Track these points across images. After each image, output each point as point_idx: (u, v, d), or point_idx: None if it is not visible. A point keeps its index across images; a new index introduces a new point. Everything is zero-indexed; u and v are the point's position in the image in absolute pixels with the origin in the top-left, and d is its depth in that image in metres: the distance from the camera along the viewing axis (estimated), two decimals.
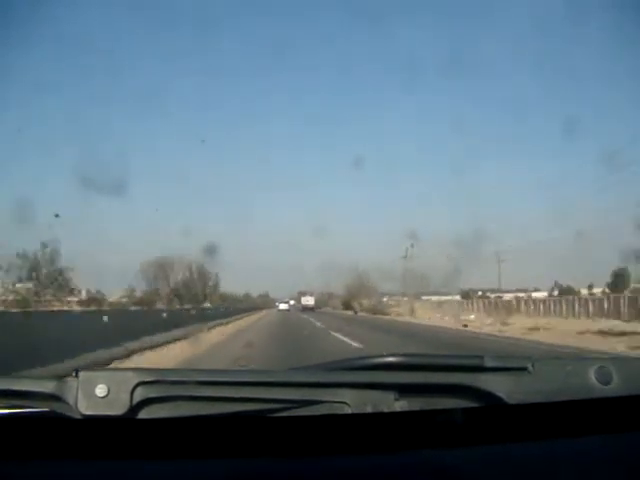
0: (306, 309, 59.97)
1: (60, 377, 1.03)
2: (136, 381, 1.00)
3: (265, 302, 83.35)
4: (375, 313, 49.94)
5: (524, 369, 1.15)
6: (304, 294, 76.05)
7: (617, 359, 1.31)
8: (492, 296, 61.14)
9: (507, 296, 56.65)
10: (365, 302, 61.99)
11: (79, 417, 0.98)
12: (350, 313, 56.03)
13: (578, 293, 52.24)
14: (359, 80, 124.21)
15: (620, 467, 1.07)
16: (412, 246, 61.71)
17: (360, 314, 51.39)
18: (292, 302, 73.69)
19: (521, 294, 57.96)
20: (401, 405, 1.06)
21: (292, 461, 1.02)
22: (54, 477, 0.98)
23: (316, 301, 76.38)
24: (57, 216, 26.89)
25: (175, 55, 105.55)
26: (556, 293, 57.77)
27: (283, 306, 62.75)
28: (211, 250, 40.88)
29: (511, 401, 1.09)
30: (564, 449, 1.08)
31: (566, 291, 57.87)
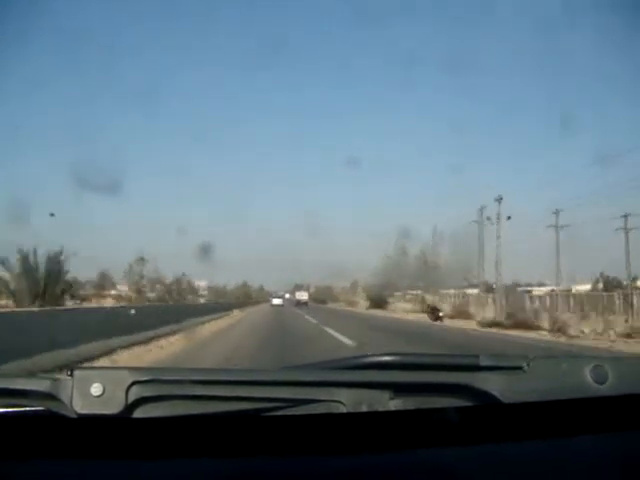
0: (299, 303, 59.45)
1: (55, 376, 1.03)
2: (131, 380, 1.00)
3: (246, 297, 69.48)
4: (524, 327, 21.11)
5: (519, 368, 1.15)
6: (300, 288, 76.89)
7: (613, 358, 1.31)
8: (519, 289, 44.82)
9: (537, 290, 45.31)
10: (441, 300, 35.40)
11: (74, 416, 0.97)
12: (395, 316, 33.16)
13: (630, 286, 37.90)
14: (358, 77, 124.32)
15: (615, 466, 1.07)
16: (500, 200, 34.71)
17: (446, 323, 26.00)
18: (287, 296, 73.54)
19: (555, 287, 42.85)
20: (396, 404, 1.06)
21: (287, 460, 1.02)
22: (49, 476, 0.98)
23: (316, 295, 76.06)
24: (52, 215, 26.02)
25: (172, 51, 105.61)
26: (601, 286, 46.26)
27: (277, 301, 58.06)
28: (206, 249, 37.73)
29: (506, 400, 1.09)
30: (559, 448, 1.08)
31: (613, 284, 44.33)
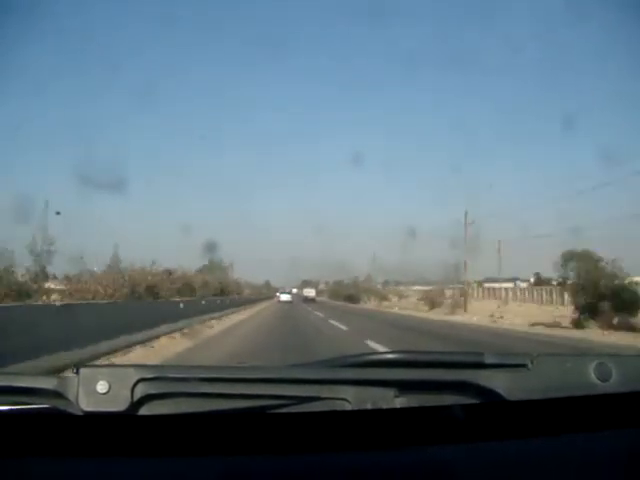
0: (307, 300, 58.31)
1: (61, 374, 1.04)
2: (137, 377, 1.01)
3: (236, 292, 46.37)
4: None
5: (524, 366, 1.16)
6: (307, 284, 77.39)
7: (616, 356, 1.31)
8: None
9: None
10: None
11: (80, 413, 0.98)
12: None
13: None
14: (358, 73, 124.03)
15: (620, 463, 1.08)
16: None
17: None
18: (295, 291, 73.55)
19: None
20: (401, 402, 1.07)
21: (293, 457, 1.02)
22: (55, 473, 0.98)
23: (334, 290, 76.39)
24: (58, 213, 25.57)
25: (174, 49, 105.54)
26: None
27: (285, 297, 53.16)
28: (211, 247, 37.47)
29: (511, 398, 1.09)
30: (563, 445, 1.08)
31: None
